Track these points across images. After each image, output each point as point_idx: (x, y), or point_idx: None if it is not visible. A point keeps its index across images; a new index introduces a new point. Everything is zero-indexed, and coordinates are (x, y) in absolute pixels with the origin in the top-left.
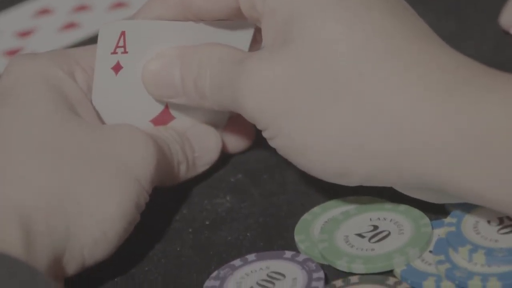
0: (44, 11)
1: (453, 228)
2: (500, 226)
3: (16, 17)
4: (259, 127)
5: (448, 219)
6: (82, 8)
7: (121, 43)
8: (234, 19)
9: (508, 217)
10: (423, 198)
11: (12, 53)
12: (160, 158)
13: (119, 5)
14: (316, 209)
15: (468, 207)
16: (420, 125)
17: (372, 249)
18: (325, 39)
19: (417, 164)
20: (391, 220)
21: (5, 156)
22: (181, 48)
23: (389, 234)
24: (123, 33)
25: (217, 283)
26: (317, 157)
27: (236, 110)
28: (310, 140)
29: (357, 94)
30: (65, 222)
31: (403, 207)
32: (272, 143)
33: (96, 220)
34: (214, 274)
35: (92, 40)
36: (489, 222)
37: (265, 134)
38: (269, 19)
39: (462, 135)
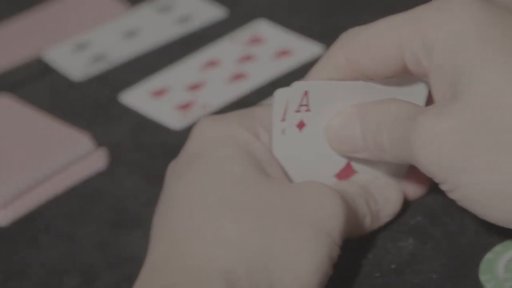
0: (212, 63)
1: None
2: None
3: (185, 70)
4: (436, 180)
5: None
6: (247, 58)
7: (304, 102)
8: (405, 76)
9: None
10: None
11: (184, 107)
12: (348, 212)
13: (284, 53)
14: (497, 247)
15: None
16: None
17: None
18: (492, 92)
19: None
20: None
21: (203, 217)
22: (360, 105)
23: None
24: (306, 93)
25: None
26: (499, 207)
27: (413, 164)
28: (490, 192)
29: None
30: (268, 280)
31: None
32: (450, 195)
33: (295, 276)
34: None
35: (261, 89)
36: None
37: (442, 187)
38: (436, 75)
39: None
